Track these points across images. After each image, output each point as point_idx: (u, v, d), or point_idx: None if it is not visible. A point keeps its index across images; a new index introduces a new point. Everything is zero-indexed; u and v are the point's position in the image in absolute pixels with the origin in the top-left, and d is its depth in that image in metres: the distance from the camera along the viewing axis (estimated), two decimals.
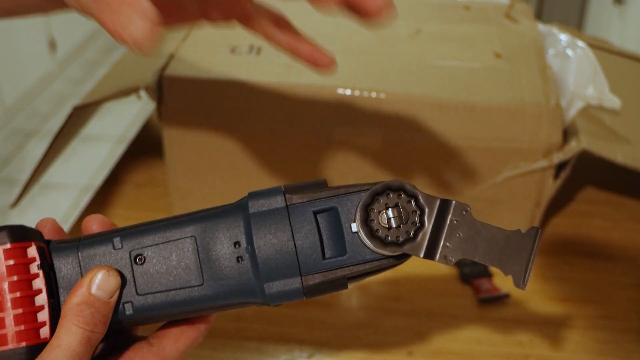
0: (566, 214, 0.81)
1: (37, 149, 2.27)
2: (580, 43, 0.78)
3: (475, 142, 0.69)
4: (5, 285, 0.36)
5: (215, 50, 0.75)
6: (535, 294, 0.70)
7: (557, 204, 0.80)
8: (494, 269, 0.72)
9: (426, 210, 0.37)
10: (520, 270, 0.37)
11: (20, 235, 0.37)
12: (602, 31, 1.95)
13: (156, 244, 0.38)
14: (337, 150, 0.71)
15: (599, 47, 0.85)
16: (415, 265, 0.73)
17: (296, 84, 0.70)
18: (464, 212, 0.37)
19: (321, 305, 0.68)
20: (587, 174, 0.86)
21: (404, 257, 0.37)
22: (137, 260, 0.38)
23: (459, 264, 0.72)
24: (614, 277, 0.73)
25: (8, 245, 0.36)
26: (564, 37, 0.79)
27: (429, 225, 0.36)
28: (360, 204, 0.37)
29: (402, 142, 0.70)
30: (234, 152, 0.72)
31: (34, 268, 0.37)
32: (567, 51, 0.76)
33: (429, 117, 0.68)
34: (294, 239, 0.37)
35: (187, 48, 0.75)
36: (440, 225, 0.36)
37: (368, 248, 0.37)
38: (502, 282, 0.71)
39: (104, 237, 0.39)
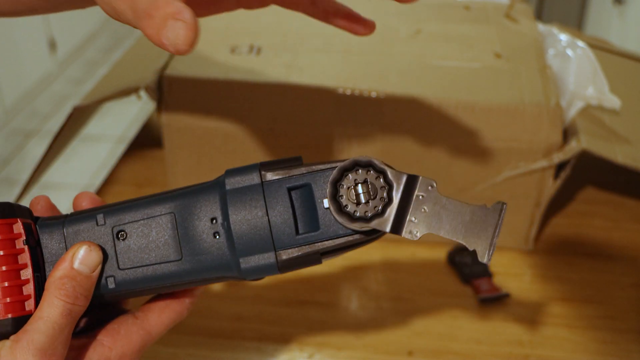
0: (566, 214, 0.81)
1: (37, 149, 2.27)
2: (580, 43, 0.78)
3: (475, 142, 0.69)
4: None
5: (215, 50, 0.75)
6: (535, 294, 0.70)
7: (557, 204, 0.80)
8: (493, 269, 0.72)
9: (394, 185, 0.37)
10: (484, 244, 0.37)
11: (6, 212, 0.38)
12: (602, 31, 1.95)
13: (137, 220, 0.40)
14: (337, 150, 0.71)
15: (599, 47, 0.85)
16: (416, 265, 0.74)
17: (296, 84, 0.70)
18: (429, 188, 0.37)
19: (321, 305, 0.68)
20: (587, 174, 0.86)
21: (374, 232, 0.38)
22: (119, 236, 0.40)
23: (459, 264, 0.72)
24: (614, 277, 0.73)
25: None
26: (564, 37, 0.79)
27: (396, 201, 0.37)
28: (330, 179, 0.37)
29: (402, 142, 0.70)
30: (234, 152, 0.72)
31: (20, 243, 0.38)
32: (567, 51, 0.76)
33: (429, 117, 0.68)
34: (268, 215, 0.38)
35: None
36: (407, 200, 0.37)
37: (339, 223, 0.37)
38: (502, 282, 0.71)
39: (88, 214, 0.40)
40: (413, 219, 0.37)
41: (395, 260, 0.74)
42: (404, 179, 0.37)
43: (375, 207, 0.37)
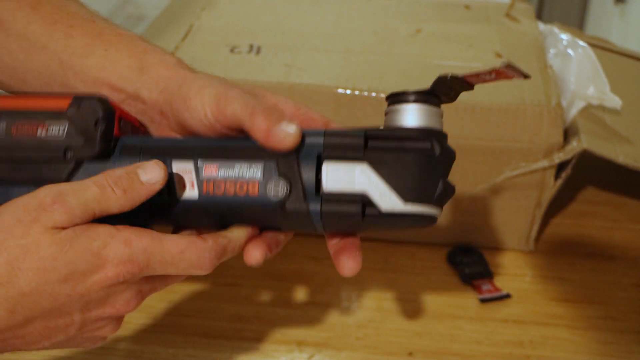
0: (567, 214, 0.81)
1: None
2: (581, 42, 0.77)
3: (476, 142, 0.69)
4: None
5: (215, 50, 0.75)
6: (536, 294, 0.70)
7: (557, 204, 0.80)
8: (493, 269, 0.72)
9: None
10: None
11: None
12: (603, 31, 1.94)
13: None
14: None
15: (600, 47, 0.85)
16: (416, 265, 0.73)
17: (296, 84, 0.69)
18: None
19: (321, 305, 0.68)
20: (587, 174, 0.86)
21: (423, 137, 0.42)
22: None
23: (460, 264, 0.72)
24: (614, 278, 0.72)
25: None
26: (564, 36, 0.79)
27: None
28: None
29: None
30: None
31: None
32: (568, 51, 0.76)
33: None
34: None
35: (186, 48, 0.75)
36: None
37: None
38: (503, 282, 0.71)
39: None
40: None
41: (395, 260, 0.74)
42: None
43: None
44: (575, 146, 0.67)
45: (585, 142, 0.67)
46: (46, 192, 0.39)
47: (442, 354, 0.63)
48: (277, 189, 0.41)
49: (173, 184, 0.43)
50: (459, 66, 0.73)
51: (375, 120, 0.69)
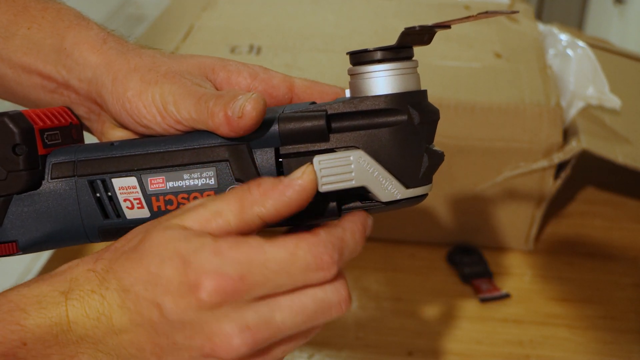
0: (566, 214, 0.81)
1: None
2: (581, 43, 0.78)
3: (476, 142, 0.69)
4: None
5: (215, 50, 0.75)
6: (536, 294, 0.70)
7: (557, 204, 0.80)
8: (493, 269, 0.72)
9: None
10: None
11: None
12: (602, 31, 1.94)
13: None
14: None
15: (600, 47, 0.85)
16: (416, 265, 0.73)
17: None
18: None
19: None
20: (587, 174, 0.86)
21: (394, 107, 0.35)
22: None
23: (459, 264, 0.72)
24: (614, 277, 0.72)
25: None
26: (564, 37, 0.79)
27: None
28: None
29: None
30: None
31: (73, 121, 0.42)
32: (567, 51, 0.76)
33: None
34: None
35: (187, 47, 0.75)
36: None
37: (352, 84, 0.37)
38: (503, 282, 0.71)
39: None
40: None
41: (395, 260, 0.74)
42: None
43: None
44: (574, 146, 0.67)
45: (585, 142, 0.67)
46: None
47: (441, 353, 0.63)
48: None
49: (119, 204, 0.37)
50: (458, 66, 0.74)
51: None
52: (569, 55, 0.75)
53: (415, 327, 0.66)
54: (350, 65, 0.38)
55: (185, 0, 0.89)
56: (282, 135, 0.35)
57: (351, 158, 0.35)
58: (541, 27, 0.84)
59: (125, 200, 0.37)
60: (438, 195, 0.72)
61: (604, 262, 0.75)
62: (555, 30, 0.82)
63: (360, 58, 0.37)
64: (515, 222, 0.73)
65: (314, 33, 0.79)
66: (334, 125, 0.35)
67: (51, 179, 0.38)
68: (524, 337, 0.65)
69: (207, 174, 0.36)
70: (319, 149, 0.35)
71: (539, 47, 0.78)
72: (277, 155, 0.36)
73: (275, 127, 0.35)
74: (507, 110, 0.68)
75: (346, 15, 0.84)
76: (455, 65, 0.74)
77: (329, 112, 0.35)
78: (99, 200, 0.38)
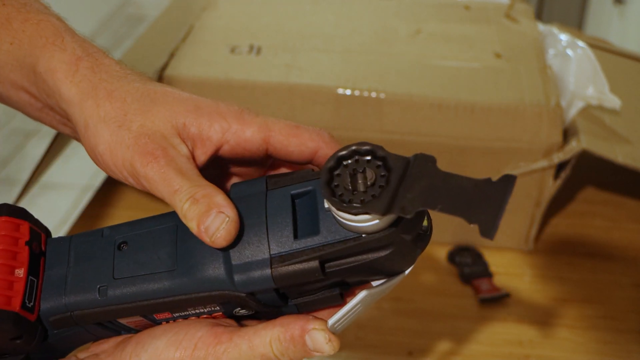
0: (566, 214, 0.81)
1: (37, 149, 2.27)
2: (581, 43, 0.78)
3: (475, 142, 0.69)
4: None
5: (215, 50, 0.75)
6: (535, 294, 0.70)
7: (557, 204, 0.80)
8: (493, 269, 0.72)
9: (394, 169, 0.33)
10: (488, 218, 0.32)
11: (18, 214, 0.38)
12: (602, 31, 1.94)
13: (140, 232, 0.39)
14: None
15: (599, 47, 0.85)
16: (416, 265, 0.73)
17: (296, 84, 0.70)
18: (428, 163, 0.33)
19: None
20: (587, 174, 0.86)
21: (384, 240, 0.34)
22: (121, 247, 0.38)
23: (459, 264, 0.72)
24: (614, 277, 0.73)
25: (3, 218, 0.38)
26: (564, 37, 0.79)
27: (393, 184, 0.33)
28: (325, 167, 0.33)
29: (402, 142, 0.70)
30: None
31: (22, 243, 0.38)
32: (567, 51, 0.76)
33: (429, 117, 0.68)
34: (266, 221, 0.35)
35: (187, 48, 0.75)
36: (403, 179, 0.33)
37: (334, 216, 0.34)
38: (503, 282, 0.71)
39: (95, 230, 0.40)
40: (408, 195, 0.32)
41: None
42: (405, 162, 0.33)
43: (373, 194, 0.33)
44: (574, 146, 0.67)
45: (585, 142, 0.67)
46: None
47: (441, 353, 0.63)
48: None
49: (126, 326, 0.39)
50: (458, 66, 0.74)
51: (375, 120, 0.69)
52: (569, 55, 0.75)
53: (415, 327, 0.66)
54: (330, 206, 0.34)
55: (185, 0, 0.89)
56: (275, 279, 0.35)
57: (359, 301, 0.39)
58: (541, 27, 0.84)
59: (131, 324, 0.39)
60: None
61: (604, 262, 0.75)
62: (555, 30, 0.82)
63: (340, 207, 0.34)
64: (515, 222, 0.73)
65: (314, 33, 0.79)
66: (327, 269, 0.36)
67: (55, 330, 0.38)
68: (524, 337, 0.65)
69: (213, 308, 0.37)
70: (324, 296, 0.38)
71: (539, 47, 0.78)
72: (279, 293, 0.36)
73: (267, 271, 0.35)
74: (507, 110, 0.68)
75: (346, 15, 0.84)
76: (455, 65, 0.74)
77: (322, 256, 0.35)
78: (106, 327, 0.39)
